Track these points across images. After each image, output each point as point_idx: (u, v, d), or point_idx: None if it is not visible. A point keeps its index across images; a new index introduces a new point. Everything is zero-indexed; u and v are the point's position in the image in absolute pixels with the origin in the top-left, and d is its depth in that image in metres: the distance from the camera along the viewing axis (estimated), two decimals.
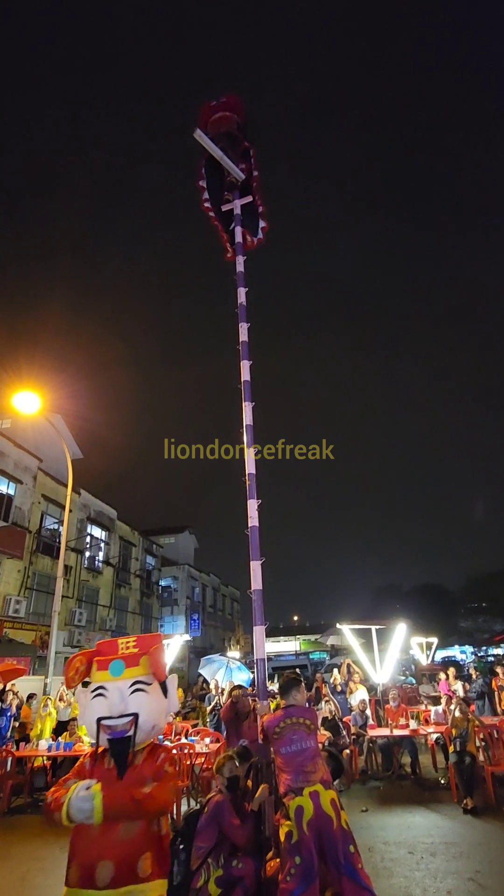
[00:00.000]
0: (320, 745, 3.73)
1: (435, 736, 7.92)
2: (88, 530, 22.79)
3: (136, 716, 2.15)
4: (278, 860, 3.28)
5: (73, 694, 9.71)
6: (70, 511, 13.92)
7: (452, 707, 7.03)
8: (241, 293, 5.04)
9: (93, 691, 2.23)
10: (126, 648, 2.32)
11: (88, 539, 22.78)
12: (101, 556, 23.82)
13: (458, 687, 10.43)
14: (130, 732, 2.13)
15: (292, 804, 3.12)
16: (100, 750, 2.23)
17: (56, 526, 19.59)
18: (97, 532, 23.77)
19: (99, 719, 2.14)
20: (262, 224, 5.70)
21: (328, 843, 3.06)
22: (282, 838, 3.14)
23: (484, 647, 34.18)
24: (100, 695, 2.19)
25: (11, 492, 17.75)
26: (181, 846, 3.26)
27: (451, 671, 11.44)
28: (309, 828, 3.04)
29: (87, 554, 22.59)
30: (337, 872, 3.02)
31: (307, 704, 3.96)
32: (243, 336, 4.86)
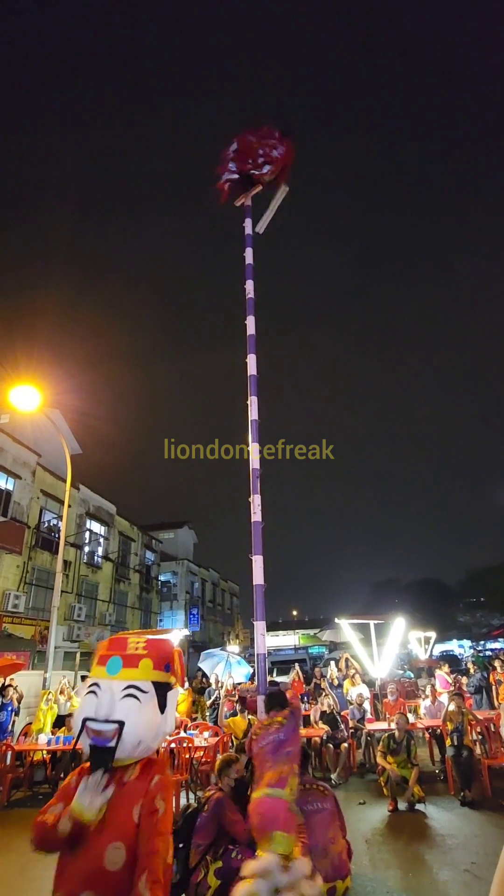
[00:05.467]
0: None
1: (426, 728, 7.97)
2: (87, 525, 22.79)
3: (121, 724, 1.85)
4: None
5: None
6: (69, 506, 13.92)
7: (446, 701, 7.08)
8: (250, 286, 4.98)
9: (88, 686, 1.98)
10: (134, 649, 2.06)
11: (87, 534, 22.79)
12: (100, 551, 23.84)
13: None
14: (113, 743, 1.83)
15: None
16: (87, 765, 1.94)
17: (55, 521, 19.60)
18: (96, 527, 23.78)
19: (85, 719, 1.88)
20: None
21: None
22: None
23: (482, 642, 34.34)
24: (92, 692, 1.94)
25: (10, 487, 17.73)
26: (179, 845, 3.27)
27: (446, 668, 11.53)
28: None
29: (87, 549, 22.60)
30: None
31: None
32: (251, 329, 4.80)
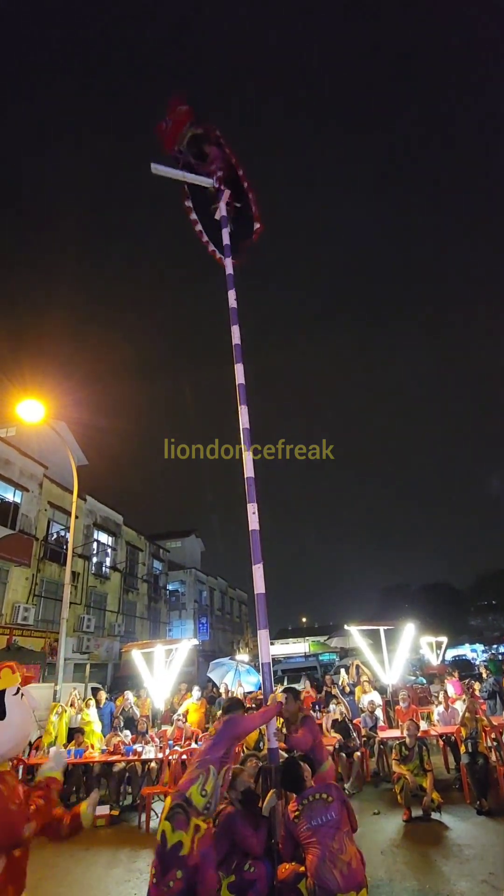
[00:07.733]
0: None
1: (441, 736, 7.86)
2: (95, 536, 22.85)
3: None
4: (292, 864, 3.27)
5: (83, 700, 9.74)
6: (76, 517, 13.95)
7: (463, 706, 6.99)
8: (232, 296, 5.01)
9: (16, 694, 2.30)
10: None
11: (95, 545, 22.84)
12: (108, 561, 23.86)
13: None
14: None
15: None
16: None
17: (63, 532, 19.66)
18: (104, 538, 23.83)
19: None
20: (255, 226, 5.62)
21: None
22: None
23: (494, 646, 33.97)
24: (22, 694, 2.32)
25: (18, 499, 17.83)
26: None
27: (455, 675, 11.45)
28: None
29: (95, 560, 22.64)
30: None
31: (316, 708, 4.00)
32: (236, 339, 4.83)
